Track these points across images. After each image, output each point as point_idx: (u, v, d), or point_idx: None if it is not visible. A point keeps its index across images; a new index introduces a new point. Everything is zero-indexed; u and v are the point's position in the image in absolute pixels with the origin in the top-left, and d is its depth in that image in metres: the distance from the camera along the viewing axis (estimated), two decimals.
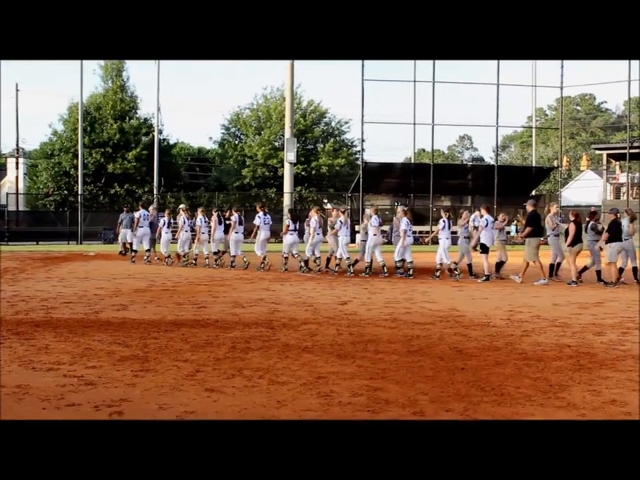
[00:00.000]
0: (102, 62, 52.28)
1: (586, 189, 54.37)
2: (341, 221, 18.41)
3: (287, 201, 40.69)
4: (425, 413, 5.50)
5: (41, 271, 19.53)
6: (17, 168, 54.67)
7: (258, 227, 20.06)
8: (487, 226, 17.21)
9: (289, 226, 19.62)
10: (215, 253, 21.04)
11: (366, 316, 10.84)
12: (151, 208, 22.22)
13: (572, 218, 16.33)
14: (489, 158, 78.64)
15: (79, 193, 44.48)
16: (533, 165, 54.24)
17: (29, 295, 13.12)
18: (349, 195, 44.66)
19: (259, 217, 20.11)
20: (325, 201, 53.52)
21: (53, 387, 6.26)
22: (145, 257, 22.55)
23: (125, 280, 16.58)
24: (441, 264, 17.46)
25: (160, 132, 48.90)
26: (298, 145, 46.68)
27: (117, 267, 20.79)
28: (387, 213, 40.80)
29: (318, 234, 18.97)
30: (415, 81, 41.47)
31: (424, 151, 75.84)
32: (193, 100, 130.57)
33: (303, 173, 51.86)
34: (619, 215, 16.78)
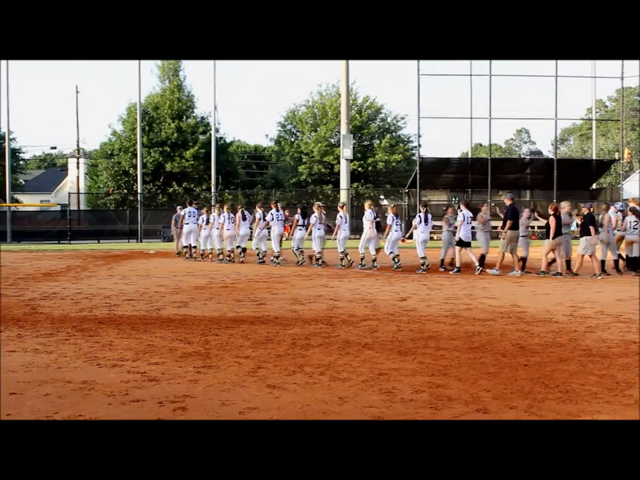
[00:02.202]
0: (159, 62, 53.12)
1: None
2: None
3: (343, 197, 40.70)
4: (488, 410, 5.43)
5: (102, 268, 19.90)
6: (78, 168, 55.89)
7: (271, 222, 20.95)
8: (463, 221, 17.64)
9: (298, 221, 20.15)
10: (242, 250, 21.73)
11: (426, 312, 10.77)
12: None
13: (551, 212, 16.56)
14: (548, 151, 77.59)
15: (139, 191, 45.22)
16: (594, 158, 53.16)
17: (92, 293, 13.36)
18: (406, 190, 44.45)
19: (271, 213, 20.95)
20: (382, 197, 53.41)
21: (117, 382, 6.33)
22: (187, 253, 23.57)
23: (185, 277, 16.78)
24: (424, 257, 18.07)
25: (217, 130, 49.47)
26: (354, 141, 46.70)
27: (177, 265, 21.06)
28: (444, 208, 40.55)
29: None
30: (471, 75, 41.24)
31: (481, 145, 75.24)
32: (249, 98, 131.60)
33: (359, 169, 51.90)
34: (591, 208, 17.11)
